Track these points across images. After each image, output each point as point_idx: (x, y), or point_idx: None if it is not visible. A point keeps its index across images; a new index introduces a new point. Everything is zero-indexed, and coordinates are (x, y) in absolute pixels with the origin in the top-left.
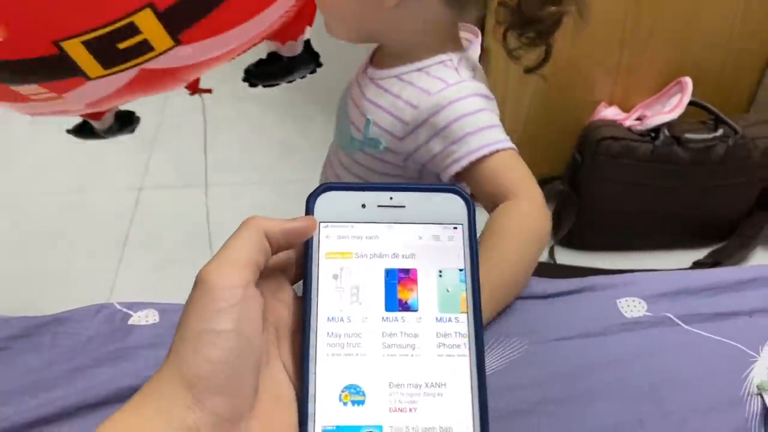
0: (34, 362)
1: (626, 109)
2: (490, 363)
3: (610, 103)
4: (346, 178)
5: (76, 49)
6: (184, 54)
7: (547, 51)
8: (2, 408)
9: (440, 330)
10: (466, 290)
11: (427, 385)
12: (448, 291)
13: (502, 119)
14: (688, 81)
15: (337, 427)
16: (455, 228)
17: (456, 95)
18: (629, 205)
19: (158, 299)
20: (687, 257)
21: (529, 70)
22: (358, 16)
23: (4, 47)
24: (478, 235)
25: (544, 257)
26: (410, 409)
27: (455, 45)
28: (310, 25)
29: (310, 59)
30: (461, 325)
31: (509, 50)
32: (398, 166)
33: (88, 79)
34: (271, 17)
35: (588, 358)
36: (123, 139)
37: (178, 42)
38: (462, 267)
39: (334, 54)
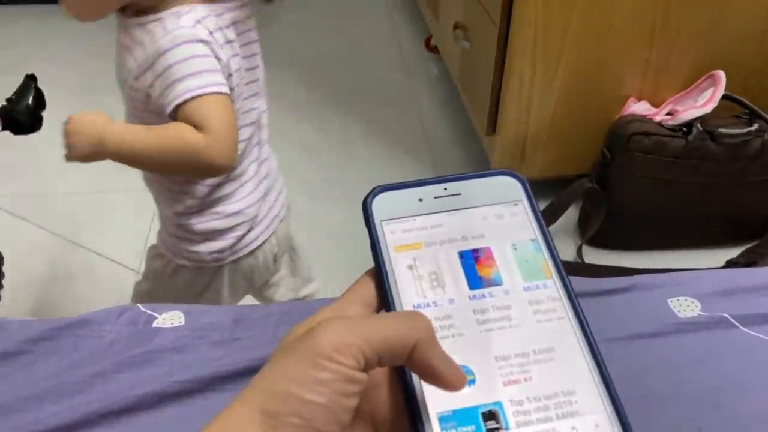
0: (55, 366)
1: (656, 104)
2: None
3: (640, 98)
4: (128, 107)
5: None
6: None
7: None
8: (22, 416)
9: (531, 298)
10: (546, 258)
11: (535, 353)
12: (527, 261)
13: (528, 116)
14: (721, 74)
15: (454, 411)
16: (515, 205)
17: (170, 43)
18: (660, 203)
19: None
20: (719, 256)
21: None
22: None
23: None
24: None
25: (571, 256)
26: (525, 379)
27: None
28: None
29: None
30: (550, 290)
31: None
32: (145, 103)
33: None
34: None
35: (642, 361)
36: None
37: None
38: (533, 237)
39: (352, 56)
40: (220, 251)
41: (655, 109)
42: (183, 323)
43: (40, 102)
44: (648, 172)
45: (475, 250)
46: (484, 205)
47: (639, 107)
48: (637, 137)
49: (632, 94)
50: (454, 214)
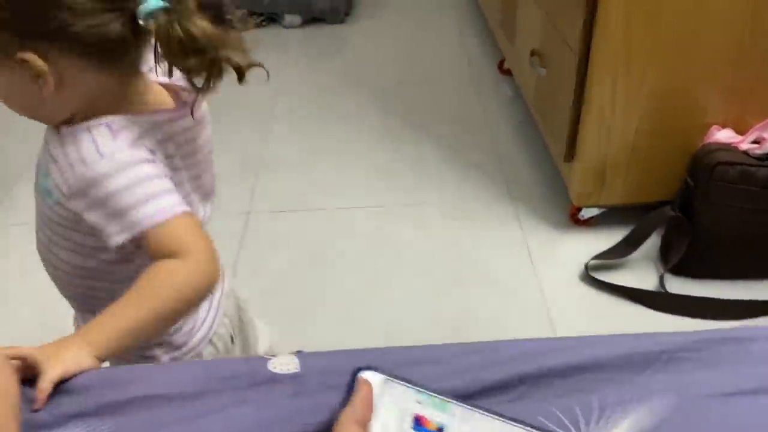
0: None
1: (741, 131)
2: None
3: (724, 126)
4: (38, 223)
5: None
6: None
7: (216, 74)
8: None
9: None
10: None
11: None
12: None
13: (608, 143)
14: None
15: None
16: None
17: (109, 168)
18: (745, 232)
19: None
20: None
21: (201, 92)
22: (28, 106)
23: None
24: None
25: (653, 285)
26: None
27: (129, 106)
28: None
29: None
30: None
31: (194, 85)
32: (74, 221)
33: None
34: None
35: (748, 419)
36: (231, 167)
37: None
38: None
39: (425, 79)
40: (178, 354)
41: (740, 137)
42: (299, 369)
43: None
44: (734, 202)
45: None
46: None
47: (723, 135)
48: (722, 167)
49: (716, 121)
50: None
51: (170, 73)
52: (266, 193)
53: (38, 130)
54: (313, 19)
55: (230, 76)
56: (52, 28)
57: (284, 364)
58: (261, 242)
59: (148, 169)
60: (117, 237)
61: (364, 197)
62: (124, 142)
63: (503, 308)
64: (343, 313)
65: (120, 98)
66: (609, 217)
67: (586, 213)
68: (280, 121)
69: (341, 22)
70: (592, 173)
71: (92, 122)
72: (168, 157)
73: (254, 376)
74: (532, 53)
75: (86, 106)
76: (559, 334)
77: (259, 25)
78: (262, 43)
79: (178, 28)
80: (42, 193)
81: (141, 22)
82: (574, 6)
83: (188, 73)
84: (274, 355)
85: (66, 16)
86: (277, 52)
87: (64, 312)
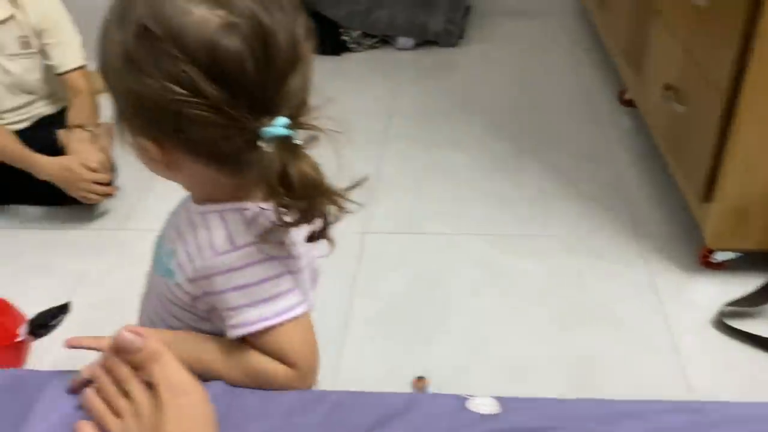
0: None
1: None
2: None
3: None
4: (151, 300)
5: None
6: None
7: (325, 224)
8: None
9: None
10: None
11: None
12: None
13: (752, 185)
14: None
15: None
16: None
17: (238, 261)
18: None
19: (384, 347)
20: None
21: (310, 239)
22: (147, 165)
23: None
24: None
25: None
26: None
27: (250, 193)
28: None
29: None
30: None
31: (283, 222)
32: (189, 304)
33: None
34: None
35: None
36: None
37: None
38: None
39: (541, 105)
40: None
41: None
42: (499, 410)
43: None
44: None
45: None
46: None
47: None
48: None
49: None
50: None
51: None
52: (382, 214)
53: None
54: (425, 41)
55: (344, 98)
56: (171, 129)
57: (486, 405)
58: (377, 263)
59: (275, 267)
60: (233, 331)
61: (481, 224)
62: (257, 235)
63: (629, 351)
64: (461, 341)
65: (237, 187)
66: (744, 262)
67: (721, 256)
68: (394, 142)
69: (454, 45)
70: (731, 215)
71: (226, 206)
72: (293, 244)
73: (457, 416)
74: (667, 87)
75: (203, 188)
76: (690, 383)
77: (372, 47)
78: (375, 64)
79: (278, 164)
80: (161, 270)
81: (262, 144)
82: (722, 44)
83: (280, 207)
84: (469, 395)
85: (185, 125)
86: (391, 73)
87: None
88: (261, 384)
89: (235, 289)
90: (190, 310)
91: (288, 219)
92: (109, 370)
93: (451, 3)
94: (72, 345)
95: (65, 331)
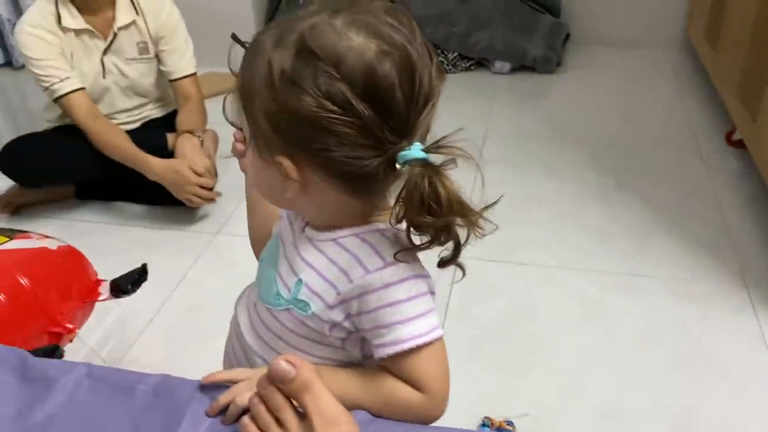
0: None
1: None
2: None
3: None
4: (264, 335)
5: None
6: None
7: (456, 248)
8: None
9: None
10: None
11: None
12: None
13: None
14: None
15: None
16: None
17: (391, 277)
18: None
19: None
20: None
21: (441, 264)
22: (272, 195)
23: None
24: None
25: None
26: None
27: (387, 218)
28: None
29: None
30: None
31: (413, 243)
32: (322, 334)
33: None
34: None
35: None
36: None
37: None
38: None
39: (643, 139)
40: None
41: None
42: None
43: (143, 278)
44: None
45: None
46: None
47: None
48: None
49: None
50: None
51: (398, 220)
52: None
53: None
54: (521, 66)
55: (437, 119)
56: (315, 147)
57: None
58: (471, 290)
59: (421, 285)
60: (383, 350)
61: (578, 257)
62: (401, 254)
63: (734, 405)
64: (555, 378)
65: (363, 212)
66: None
67: None
68: (489, 166)
69: (551, 72)
70: None
71: (361, 229)
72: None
73: None
74: None
75: (329, 213)
76: None
77: (467, 69)
78: (471, 86)
79: (426, 182)
80: (281, 303)
81: (398, 166)
82: None
83: (416, 227)
84: None
85: (332, 142)
86: (486, 96)
87: None
88: (397, 412)
89: (389, 305)
90: (322, 341)
91: (420, 241)
92: (264, 399)
93: (551, 29)
94: (208, 383)
95: (161, 333)
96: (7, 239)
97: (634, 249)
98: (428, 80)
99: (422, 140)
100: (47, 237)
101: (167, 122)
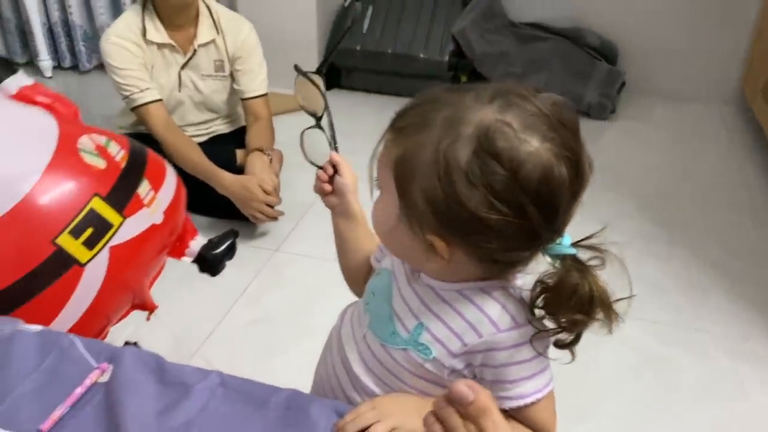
0: None
1: None
2: None
3: None
4: (376, 369)
5: (66, 240)
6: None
7: (577, 335)
8: None
9: None
10: None
11: None
12: None
13: None
14: None
15: None
16: None
17: (521, 338)
18: None
19: None
20: None
21: (558, 345)
22: (407, 258)
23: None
24: None
25: None
26: None
27: (506, 276)
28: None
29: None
30: None
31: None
32: (440, 377)
33: (82, 265)
34: None
35: None
36: None
37: (124, 216)
38: None
39: (695, 192)
40: None
41: None
42: None
43: (231, 255)
44: None
45: None
46: None
47: None
48: None
49: None
50: None
51: (535, 305)
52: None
53: None
54: (576, 111)
55: None
56: (474, 238)
57: None
58: None
59: (542, 342)
60: (508, 403)
61: (633, 307)
62: (527, 310)
63: None
64: (608, 427)
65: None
66: None
67: None
68: None
69: (605, 119)
70: None
71: (487, 284)
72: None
73: None
74: None
75: (457, 275)
76: None
77: None
78: None
79: (586, 285)
80: (399, 343)
81: (548, 258)
82: None
83: (554, 315)
84: None
85: (492, 237)
86: None
87: None
88: None
89: (517, 363)
90: (438, 381)
91: (552, 326)
92: (441, 418)
93: (608, 76)
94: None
95: (221, 346)
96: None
97: (687, 303)
98: (587, 175)
99: None
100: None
101: (234, 138)
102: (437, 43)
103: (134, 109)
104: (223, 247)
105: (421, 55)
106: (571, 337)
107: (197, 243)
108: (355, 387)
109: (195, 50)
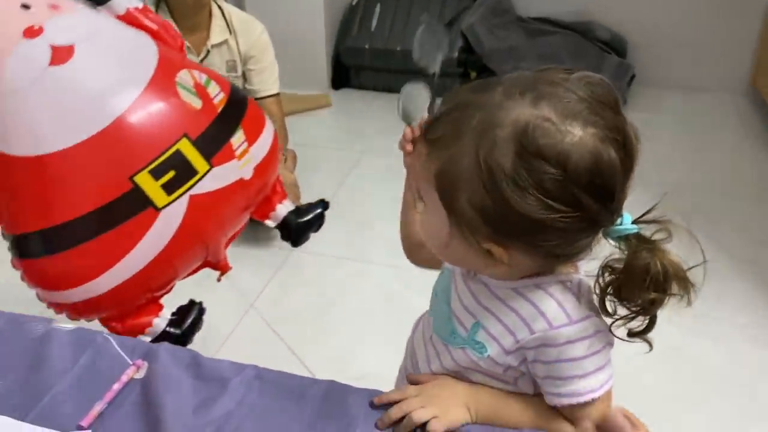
0: None
1: None
2: None
3: None
4: (438, 371)
5: (144, 180)
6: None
7: (651, 321)
8: None
9: None
10: None
11: None
12: None
13: None
14: None
15: None
16: None
17: (575, 335)
18: None
19: None
20: None
21: (631, 334)
22: (463, 265)
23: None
24: None
25: None
26: None
27: (567, 267)
28: (280, 202)
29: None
30: None
31: (605, 309)
32: (496, 373)
33: (157, 209)
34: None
35: None
36: None
37: (211, 165)
38: None
39: (713, 188)
40: None
41: None
42: None
43: (317, 226)
44: None
45: None
46: None
47: None
48: None
49: None
50: None
51: (606, 293)
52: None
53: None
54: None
55: None
56: (532, 239)
57: None
58: None
59: (602, 339)
60: (558, 399)
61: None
62: (587, 307)
63: None
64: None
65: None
66: None
67: None
68: None
69: None
70: None
71: (542, 280)
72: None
73: None
74: None
75: (513, 276)
76: None
77: None
78: None
79: (658, 264)
80: (458, 341)
81: (610, 241)
82: None
83: (628, 300)
84: None
85: (552, 235)
86: None
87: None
88: None
89: (569, 360)
90: (496, 377)
91: (623, 312)
92: None
93: (618, 70)
94: (380, 402)
95: (241, 347)
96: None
97: (706, 291)
98: (637, 150)
99: None
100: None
101: None
102: None
103: None
104: (310, 216)
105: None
106: (645, 324)
107: (284, 207)
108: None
109: (208, 51)
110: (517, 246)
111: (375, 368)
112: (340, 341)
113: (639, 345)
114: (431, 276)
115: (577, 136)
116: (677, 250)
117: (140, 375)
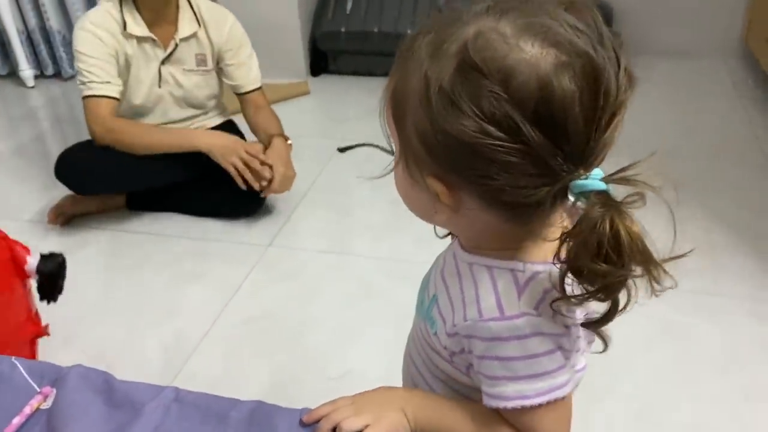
0: None
1: None
2: None
3: None
4: (419, 349)
5: None
6: None
7: (613, 306)
8: None
9: None
10: None
11: None
12: None
13: None
14: None
15: None
16: None
17: (505, 332)
18: None
19: None
20: None
21: (585, 325)
22: (421, 214)
23: None
24: None
25: None
26: None
27: (536, 253)
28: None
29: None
30: None
31: (564, 292)
32: (448, 358)
33: None
34: None
35: None
36: None
37: None
38: None
39: (703, 149)
40: None
41: None
42: None
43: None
44: None
45: None
46: None
47: None
48: None
49: None
50: None
51: (560, 260)
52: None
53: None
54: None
55: None
56: (473, 174)
57: None
58: None
59: (544, 343)
60: (487, 400)
61: None
62: (528, 304)
63: None
64: (630, 401)
65: (514, 238)
66: None
67: None
68: None
69: None
70: None
71: (496, 263)
72: (570, 314)
73: None
74: None
75: (477, 235)
76: None
77: None
78: None
79: (608, 225)
80: (423, 314)
81: (571, 198)
82: None
83: (580, 275)
84: None
85: (493, 170)
86: None
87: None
88: None
89: (498, 359)
90: (448, 361)
91: (578, 291)
92: None
93: None
94: (310, 421)
95: (218, 345)
96: None
97: (702, 264)
98: (615, 92)
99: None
100: None
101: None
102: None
103: (85, 98)
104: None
105: (409, 31)
106: (601, 314)
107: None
108: (408, 368)
109: (176, 45)
110: (460, 185)
111: (358, 365)
112: (319, 338)
113: (635, 323)
114: (413, 267)
115: (529, 54)
116: (656, 226)
117: (47, 405)
